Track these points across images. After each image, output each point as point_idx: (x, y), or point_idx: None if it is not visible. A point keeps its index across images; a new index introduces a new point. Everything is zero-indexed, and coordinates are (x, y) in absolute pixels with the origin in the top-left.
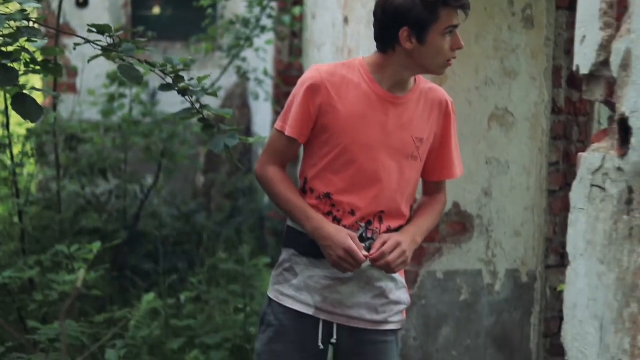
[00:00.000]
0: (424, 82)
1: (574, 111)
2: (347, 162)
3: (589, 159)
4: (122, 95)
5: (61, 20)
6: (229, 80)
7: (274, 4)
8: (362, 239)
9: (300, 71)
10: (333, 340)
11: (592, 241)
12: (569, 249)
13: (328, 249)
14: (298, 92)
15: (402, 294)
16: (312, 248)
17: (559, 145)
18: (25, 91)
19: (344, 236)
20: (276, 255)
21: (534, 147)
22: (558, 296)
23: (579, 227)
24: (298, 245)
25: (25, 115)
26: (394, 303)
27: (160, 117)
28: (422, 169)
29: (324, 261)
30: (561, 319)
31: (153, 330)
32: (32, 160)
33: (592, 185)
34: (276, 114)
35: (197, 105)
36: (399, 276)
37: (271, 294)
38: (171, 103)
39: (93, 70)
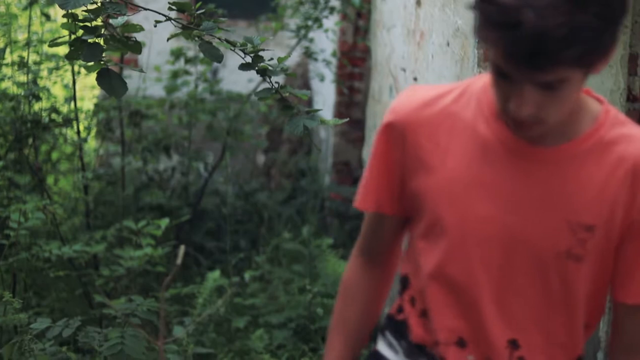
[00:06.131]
0: (616, 124)
1: None
2: (451, 259)
3: None
4: (187, 72)
5: None
6: (291, 60)
7: None
8: None
9: (365, 52)
10: None
11: None
12: None
13: None
14: (375, 139)
15: None
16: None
17: None
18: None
19: None
20: (338, 237)
21: None
22: None
23: None
24: None
25: (110, 91)
26: None
27: (225, 95)
28: (606, 276)
29: None
30: None
31: (219, 308)
32: (92, 136)
33: None
34: (340, 94)
35: (276, 85)
36: None
37: None
38: (232, 81)
39: (155, 46)
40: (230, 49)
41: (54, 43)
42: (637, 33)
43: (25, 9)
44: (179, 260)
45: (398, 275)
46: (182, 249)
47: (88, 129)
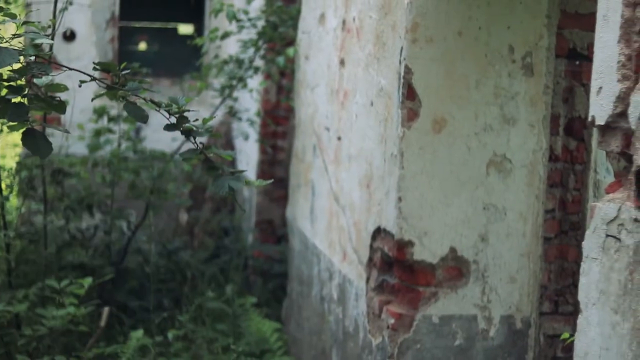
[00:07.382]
0: None
1: (571, 159)
2: None
3: (603, 209)
4: (110, 131)
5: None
6: (215, 118)
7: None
8: None
9: (288, 111)
10: None
11: (605, 291)
12: (581, 297)
13: None
14: None
15: None
16: None
17: (555, 192)
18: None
19: None
20: (262, 295)
21: (530, 194)
22: (551, 343)
23: (591, 277)
24: None
25: (35, 151)
26: None
27: (148, 154)
28: None
29: None
30: None
31: None
32: (14, 194)
33: (607, 235)
34: (264, 152)
35: (200, 146)
36: None
37: None
38: (156, 140)
39: (78, 105)
40: (155, 110)
41: None
42: (559, 94)
43: None
44: (102, 323)
45: None
46: (106, 311)
47: (10, 187)
